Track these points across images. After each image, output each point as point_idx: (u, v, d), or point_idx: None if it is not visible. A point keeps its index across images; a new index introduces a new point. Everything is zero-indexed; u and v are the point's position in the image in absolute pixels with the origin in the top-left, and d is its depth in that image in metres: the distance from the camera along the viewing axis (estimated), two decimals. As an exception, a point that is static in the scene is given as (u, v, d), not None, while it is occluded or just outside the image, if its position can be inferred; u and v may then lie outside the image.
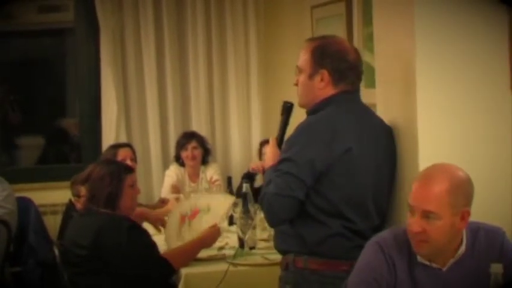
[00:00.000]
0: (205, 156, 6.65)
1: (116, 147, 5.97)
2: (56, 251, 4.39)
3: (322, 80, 3.39)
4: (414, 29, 3.27)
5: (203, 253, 4.37)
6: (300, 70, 3.48)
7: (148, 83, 6.95)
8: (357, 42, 5.62)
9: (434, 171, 2.76)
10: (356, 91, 3.48)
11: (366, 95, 5.51)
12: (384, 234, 2.91)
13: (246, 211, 4.56)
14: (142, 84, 6.97)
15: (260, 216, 4.95)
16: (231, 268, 4.17)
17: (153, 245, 4.27)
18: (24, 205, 6.17)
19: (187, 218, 4.55)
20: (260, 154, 6.39)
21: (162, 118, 7.02)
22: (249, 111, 7.16)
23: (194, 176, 6.59)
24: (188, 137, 6.60)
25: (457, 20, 3.25)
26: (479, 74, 3.25)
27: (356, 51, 3.49)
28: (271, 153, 3.50)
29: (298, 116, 3.62)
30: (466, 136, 3.25)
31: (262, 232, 4.74)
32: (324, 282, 3.33)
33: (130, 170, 4.48)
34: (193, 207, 4.59)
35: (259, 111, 7.13)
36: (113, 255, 4.10)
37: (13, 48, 7.82)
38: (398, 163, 3.46)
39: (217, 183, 6.45)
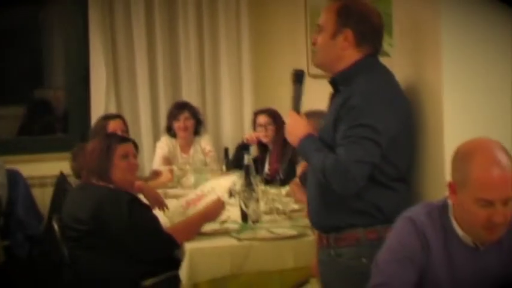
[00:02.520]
0: (198, 127, 6.50)
1: (107, 118, 5.80)
2: (56, 226, 4.24)
3: (345, 39, 3.28)
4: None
5: (206, 227, 4.24)
6: (320, 29, 3.35)
7: (138, 51, 6.79)
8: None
9: (497, 150, 2.58)
10: (377, 55, 3.37)
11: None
12: (417, 209, 2.76)
13: (248, 184, 4.41)
14: (131, 53, 6.80)
15: (262, 188, 4.84)
16: (236, 243, 4.04)
17: (155, 220, 4.15)
18: (13, 178, 6.02)
19: (192, 204, 4.41)
20: (254, 124, 6.25)
21: (152, 88, 6.87)
22: (241, 81, 7.03)
23: (186, 148, 6.44)
24: (180, 107, 6.44)
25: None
26: (506, 40, 3.13)
27: (379, 15, 3.36)
28: (298, 124, 3.34)
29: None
30: (492, 105, 3.15)
31: (265, 205, 4.62)
32: None
33: (124, 140, 4.33)
34: (199, 194, 4.45)
35: (251, 81, 7.01)
36: (114, 229, 3.98)
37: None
38: (421, 133, 3.36)
39: (210, 154, 6.34)
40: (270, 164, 6.11)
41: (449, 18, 3.13)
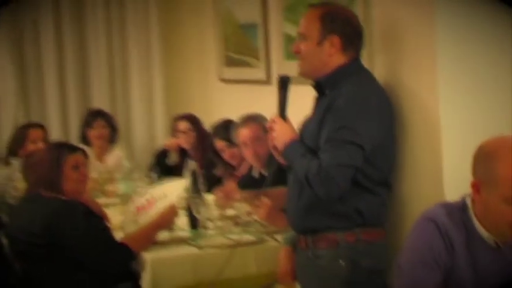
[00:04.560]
0: (113, 134, 6.34)
1: (27, 127, 5.58)
2: (4, 241, 4.02)
3: (332, 45, 3.28)
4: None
5: (160, 237, 4.12)
6: (303, 37, 3.34)
7: (46, 60, 6.57)
8: (275, 12, 5.49)
9: None
10: (359, 58, 3.38)
11: (285, 68, 5.39)
12: (436, 210, 2.73)
13: (196, 190, 4.34)
14: (39, 62, 6.59)
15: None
16: (197, 251, 3.96)
17: (110, 231, 4.01)
18: None
19: (143, 210, 4.26)
20: (174, 131, 6.15)
21: (62, 97, 6.67)
22: (152, 88, 6.91)
23: (101, 156, 6.27)
24: (95, 115, 6.28)
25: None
26: (503, 39, 3.18)
27: (357, 18, 3.39)
28: (284, 130, 3.32)
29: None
30: (491, 105, 3.17)
31: (215, 211, 4.52)
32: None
33: (74, 149, 4.16)
34: (149, 199, 4.31)
35: (162, 88, 6.90)
36: (70, 241, 3.82)
37: None
38: (416, 138, 3.37)
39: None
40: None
41: (444, 21, 3.14)
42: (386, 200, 3.33)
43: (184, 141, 6.04)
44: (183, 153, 6.13)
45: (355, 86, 3.22)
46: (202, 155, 5.77)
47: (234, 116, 5.44)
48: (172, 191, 4.27)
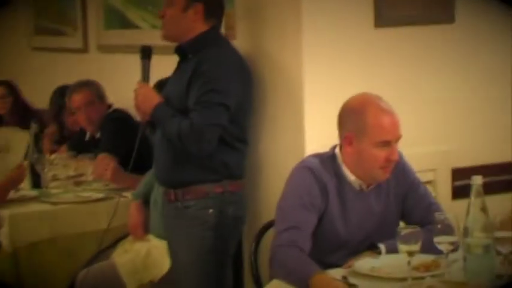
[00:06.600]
0: None
1: None
2: None
3: (196, 13, 3.58)
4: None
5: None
6: (170, 3, 3.62)
7: None
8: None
9: (380, 100, 3.00)
10: (219, 27, 3.71)
11: (105, 37, 5.57)
12: (310, 159, 3.09)
13: (39, 150, 4.49)
14: None
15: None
16: (54, 207, 4.14)
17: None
18: None
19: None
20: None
21: None
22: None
23: None
24: None
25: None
26: (347, 14, 3.59)
27: None
28: (149, 94, 3.61)
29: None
30: (344, 72, 3.60)
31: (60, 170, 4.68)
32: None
33: None
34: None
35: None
36: None
37: None
38: (275, 95, 3.72)
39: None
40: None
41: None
42: (245, 154, 3.70)
43: (1, 106, 6.06)
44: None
45: (218, 51, 3.56)
46: (19, 120, 5.84)
47: (47, 84, 5.57)
48: (16, 144, 4.39)
